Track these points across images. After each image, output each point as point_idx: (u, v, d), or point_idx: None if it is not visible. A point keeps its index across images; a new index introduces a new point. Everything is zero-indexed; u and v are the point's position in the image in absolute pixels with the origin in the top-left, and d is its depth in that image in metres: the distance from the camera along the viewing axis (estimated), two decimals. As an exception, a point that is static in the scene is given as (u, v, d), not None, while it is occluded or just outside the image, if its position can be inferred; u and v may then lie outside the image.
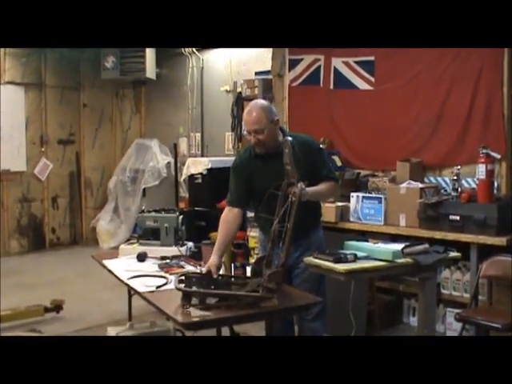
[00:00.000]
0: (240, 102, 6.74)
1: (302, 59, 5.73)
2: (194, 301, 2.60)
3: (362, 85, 5.31)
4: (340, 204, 4.83)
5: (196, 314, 2.54)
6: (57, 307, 5.04)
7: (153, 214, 3.94)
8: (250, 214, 5.49)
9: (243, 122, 3.23)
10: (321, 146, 3.53)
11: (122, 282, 3.24)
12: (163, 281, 3.05)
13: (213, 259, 2.99)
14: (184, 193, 7.66)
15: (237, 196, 3.25)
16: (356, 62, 5.31)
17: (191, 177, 6.83)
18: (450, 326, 4.40)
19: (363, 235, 4.43)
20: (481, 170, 4.09)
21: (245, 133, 3.18)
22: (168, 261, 3.51)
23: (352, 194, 4.79)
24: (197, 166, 6.70)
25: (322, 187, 3.18)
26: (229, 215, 3.20)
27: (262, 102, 3.29)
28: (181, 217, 3.87)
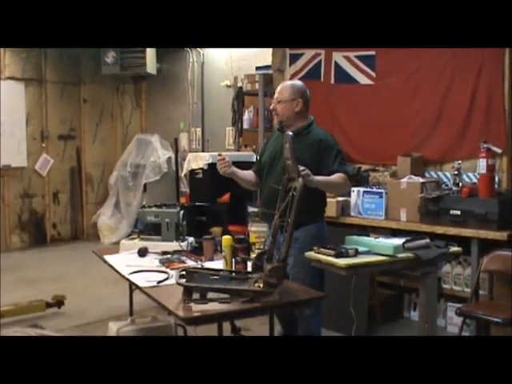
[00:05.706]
0: (240, 96, 6.72)
1: (302, 54, 5.71)
2: (195, 296, 2.61)
3: (362, 79, 5.30)
4: (341, 199, 4.83)
5: (197, 308, 2.55)
6: (58, 302, 5.05)
7: (154, 209, 3.94)
8: (252, 209, 5.51)
9: None
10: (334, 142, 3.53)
11: (123, 277, 3.24)
12: (164, 276, 3.06)
13: None
14: (185, 188, 7.65)
15: (256, 164, 3.74)
16: (357, 57, 5.29)
17: (192, 172, 6.82)
18: (451, 320, 4.41)
19: (364, 230, 4.43)
20: (482, 164, 4.10)
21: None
22: (169, 256, 3.50)
23: (353, 188, 4.79)
24: (197, 161, 6.69)
25: (330, 177, 3.23)
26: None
27: (299, 82, 3.64)
28: (182, 212, 3.86)
